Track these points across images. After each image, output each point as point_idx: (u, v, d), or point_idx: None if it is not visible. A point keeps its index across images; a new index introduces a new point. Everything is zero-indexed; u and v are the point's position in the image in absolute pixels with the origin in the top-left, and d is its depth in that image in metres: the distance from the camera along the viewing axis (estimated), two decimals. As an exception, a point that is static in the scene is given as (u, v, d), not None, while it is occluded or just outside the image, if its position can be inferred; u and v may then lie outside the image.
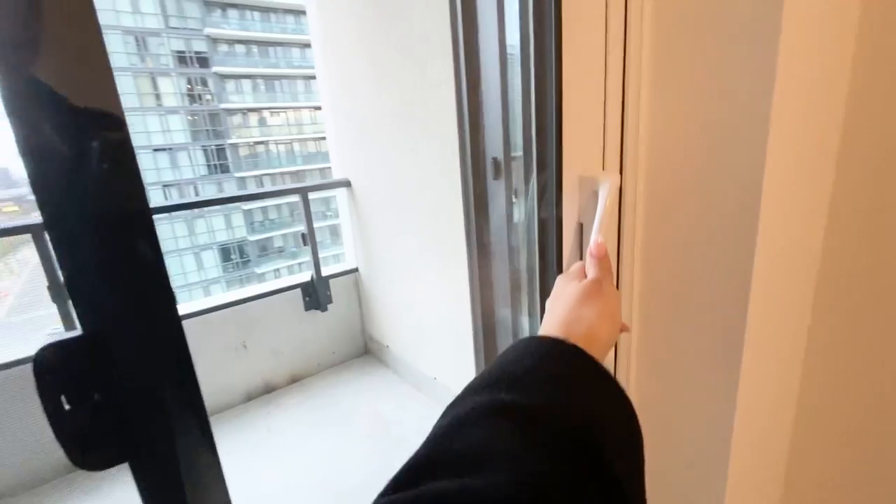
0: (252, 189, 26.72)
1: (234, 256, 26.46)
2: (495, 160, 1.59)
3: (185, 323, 1.58)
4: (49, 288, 1.76)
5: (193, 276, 25.50)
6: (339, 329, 2.69)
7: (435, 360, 2.18)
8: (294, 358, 2.56)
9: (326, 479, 1.80)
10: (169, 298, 0.43)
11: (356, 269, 2.69)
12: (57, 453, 1.77)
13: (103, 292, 0.39)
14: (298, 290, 2.52)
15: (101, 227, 0.38)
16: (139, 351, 0.42)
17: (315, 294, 2.53)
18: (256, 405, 2.37)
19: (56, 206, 0.37)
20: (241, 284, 27.10)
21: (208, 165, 25.72)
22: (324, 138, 2.68)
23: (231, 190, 26.66)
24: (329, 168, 2.74)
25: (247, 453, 2.00)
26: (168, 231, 24.35)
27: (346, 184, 2.48)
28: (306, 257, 2.47)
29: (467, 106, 1.60)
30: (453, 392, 1.71)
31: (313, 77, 2.58)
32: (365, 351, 2.82)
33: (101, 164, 0.36)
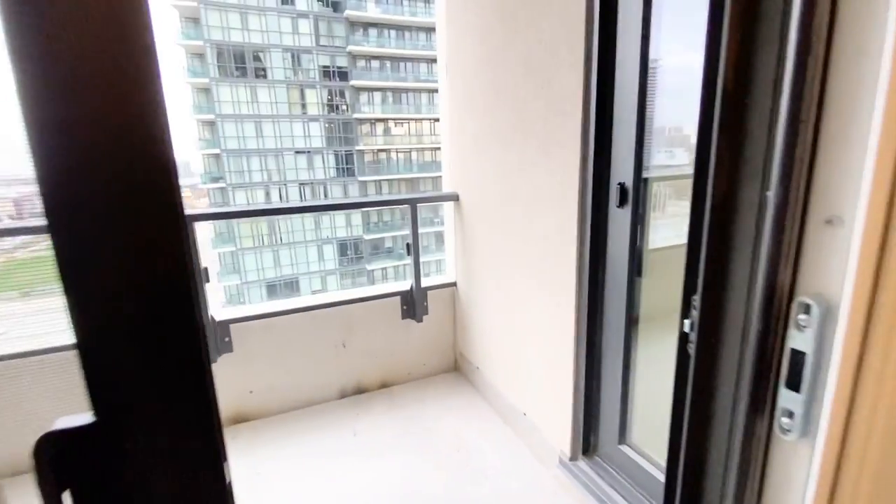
0: (371, 193, 28.87)
1: (349, 252, 28.84)
2: (622, 186, 1.39)
3: (295, 316, 1.66)
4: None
5: (314, 266, 28.29)
6: (431, 342, 2.67)
7: (527, 396, 2.02)
8: (386, 364, 2.59)
9: (398, 496, 1.75)
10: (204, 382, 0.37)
11: (454, 284, 2.64)
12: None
13: (128, 365, 0.35)
14: (398, 298, 2.55)
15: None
16: (166, 443, 0.37)
17: (413, 304, 2.54)
18: (347, 404, 2.44)
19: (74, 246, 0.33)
20: (352, 278, 29.40)
21: (337, 168, 28.47)
22: (440, 148, 2.69)
23: (354, 191, 29.11)
24: (442, 177, 2.76)
25: (331, 452, 2.05)
26: (299, 224, 27.41)
27: (455, 197, 2.45)
28: (409, 261, 2.49)
29: (594, 124, 1.44)
30: (542, 432, 1.54)
31: (436, 91, 2.61)
32: (455, 368, 2.76)
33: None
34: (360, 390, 2.55)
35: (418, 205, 2.42)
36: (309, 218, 27.15)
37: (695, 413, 0.77)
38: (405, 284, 2.59)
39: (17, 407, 1.92)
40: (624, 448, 1.61)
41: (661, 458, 1.53)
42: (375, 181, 29.04)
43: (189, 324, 0.35)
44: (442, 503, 1.72)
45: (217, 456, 0.38)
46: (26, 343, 1.98)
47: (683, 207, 1.73)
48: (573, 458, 1.75)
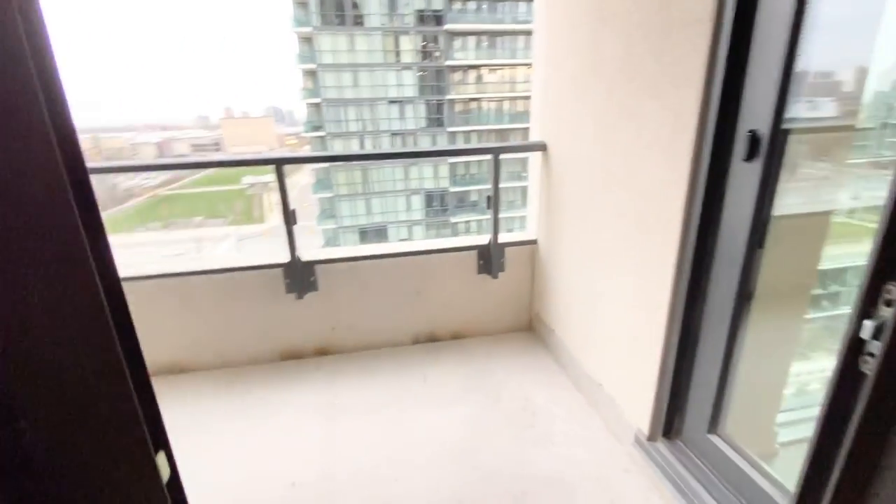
0: (459, 144, 28.57)
1: (435, 203, 29.35)
2: (753, 134, 1.12)
3: (375, 262, 1.66)
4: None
5: (402, 216, 29.37)
6: (506, 299, 2.59)
7: (605, 366, 1.88)
8: (459, 316, 2.59)
9: (463, 450, 1.77)
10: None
11: (535, 242, 2.50)
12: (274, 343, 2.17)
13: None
14: (475, 252, 2.48)
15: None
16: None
17: (489, 259, 2.46)
18: (419, 351, 2.50)
19: None
20: (437, 229, 30.06)
21: (428, 118, 28.46)
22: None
23: (442, 142, 29.05)
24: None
25: (401, 394, 2.13)
26: (389, 174, 28.29)
27: (542, 147, 2.25)
28: (489, 216, 2.40)
29: (726, 56, 1.16)
30: (619, 406, 1.40)
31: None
32: (528, 328, 2.67)
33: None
34: (432, 339, 2.59)
35: (501, 155, 2.27)
36: (399, 168, 27.90)
37: (858, 455, 0.59)
38: (482, 239, 2.50)
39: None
40: (713, 438, 1.43)
41: (760, 455, 1.34)
42: (464, 132, 28.62)
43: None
44: (505, 462, 1.70)
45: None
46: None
47: (819, 170, 1.38)
48: (651, 438, 1.60)
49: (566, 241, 2.14)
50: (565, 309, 2.21)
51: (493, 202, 2.30)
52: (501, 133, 28.37)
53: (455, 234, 29.49)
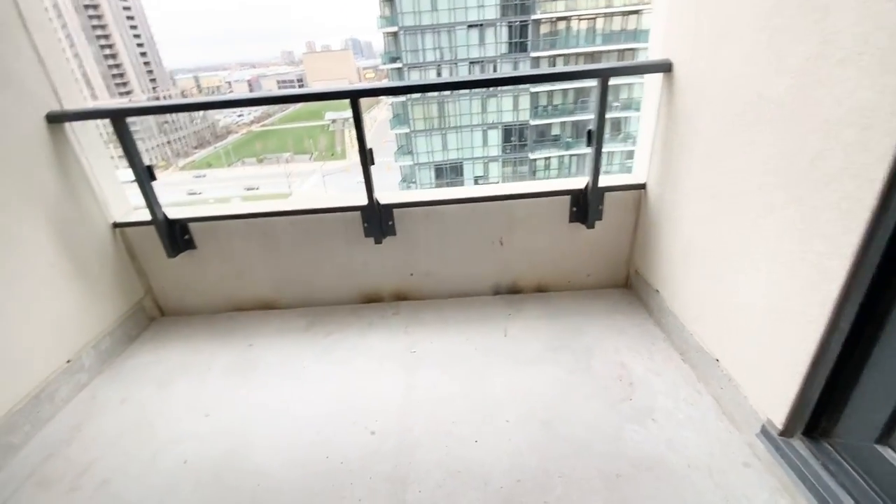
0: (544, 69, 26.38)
1: (513, 138, 27.98)
2: None
3: (455, 207, 1.39)
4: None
5: (479, 152, 28.49)
6: (601, 251, 2.29)
7: (728, 339, 1.57)
8: (545, 267, 2.36)
9: (550, 417, 1.62)
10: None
11: (643, 186, 2.12)
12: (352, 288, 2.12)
13: None
14: (567, 198, 2.18)
15: None
16: None
17: (584, 206, 2.14)
18: (500, 302, 2.35)
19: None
20: (514, 166, 28.92)
21: (509, 43, 26.35)
22: (635, 12, 1.95)
23: (525, 70, 26.99)
24: (632, 50, 2.06)
25: (480, 347, 2.01)
26: (466, 107, 27.18)
27: (665, 67, 1.79)
28: (579, 152, 2.05)
29: None
30: (741, 388, 1.02)
31: None
32: (626, 285, 2.37)
33: None
34: (514, 290, 2.41)
35: (611, 78, 1.87)
36: (476, 101, 26.63)
37: None
38: (577, 182, 2.18)
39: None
40: (883, 449, 1.12)
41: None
42: (549, 57, 26.17)
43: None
44: (597, 436, 1.53)
45: None
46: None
47: None
48: (786, 433, 1.32)
49: (688, 187, 1.75)
50: (676, 267, 1.88)
51: (597, 136, 1.94)
52: (593, 57, 25.48)
53: (533, 171, 28.22)
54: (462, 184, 28.49)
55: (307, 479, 1.46)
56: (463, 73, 26.60)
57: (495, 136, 27.98)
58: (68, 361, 1.92)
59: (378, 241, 2.24)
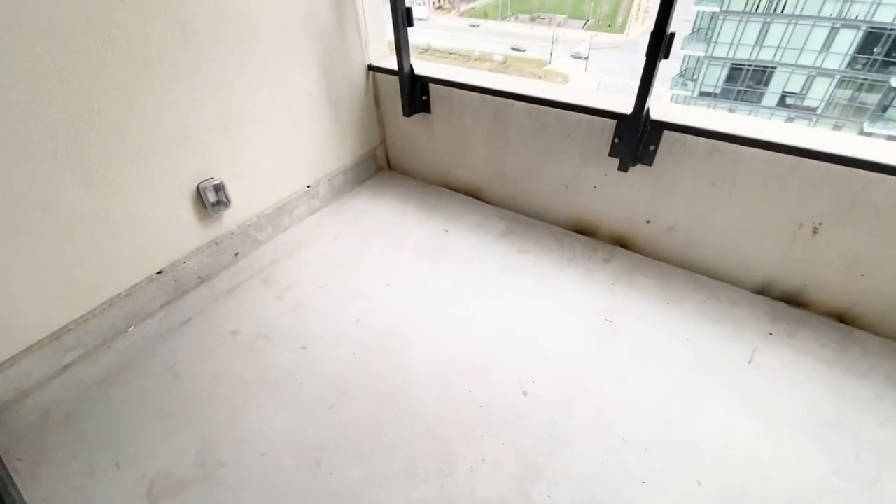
0: None
1: (877, 49, 19.00)
2: None
3: (757, 152, 1.13)
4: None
5: (807, 58, 20.73)
6: None
7: None
8: (880, 289, 1.46)
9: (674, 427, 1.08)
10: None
11: None
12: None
13: None
14: None
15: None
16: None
17: None
18: (762, 310, 1.62)
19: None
20: (856, 90, 20.50)
21: None
22: None
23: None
24: None
25: (707, 362, 1.45)
26: (823, -13, 19.17)
27: None
28: None
29: None
30: None
31: None
32: None
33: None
34: (794, 301, 1.62)
35: None
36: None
37: None
38: None
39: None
40: None
41: None
42: None
43: None
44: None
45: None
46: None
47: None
48: None
49: None
50: None
51: None
52: None
53: (884, 107, 19.53)
54: (761, 98, 21.84)
55: (442, 406, 1.36)
56: (846, -68, 18.02)
57: (846, 40, 19.41)
58: (308, 186, 2.17)
59: (623, 168, 1.69)
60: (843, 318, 1.55)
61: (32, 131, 1.23)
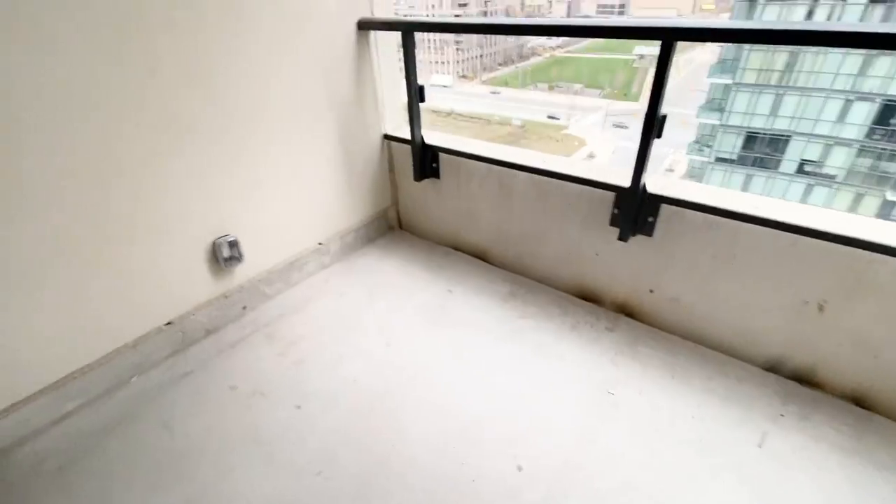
0: None
1: (892, 122, 19.24)
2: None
3: (756, 228, 1.54)
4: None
5: (823, 128, 21.02)
6: None
7: None
8: (891, 371, 1.40)
9: None
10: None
11: None
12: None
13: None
14: None
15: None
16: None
17: None
18: (773, 389, 1.56)
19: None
20: (874, 159, 20.60)
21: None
22: None
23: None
24: None
25: (711, 444, 1.38)
26: (833, 64, 19.90)
27: None
28: None
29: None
30: None
31: None
32: None
33: None
34: (805, 380, 1.55)
35: None
36: (853, 58, 18.86)
37: None
38: None
39: (466, 199, 2.20)
40: None
41: None
42: None
43: None
44: None
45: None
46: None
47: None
48: None
49: None
50: None
51: None
52: None
53: (906, 175, 19.41)
54: (778, 165, 22.00)
55: (433, 477, 1.31)
56: (853, 14, 18.97)
57: (861, 112, 19.75)
58: (320, 244, 2.25)
59: (624, 238, 1.72)
60: (859, 402, 1.47)
61: (64, 189, 1.35)
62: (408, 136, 2.21)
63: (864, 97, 19.41)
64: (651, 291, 1.80)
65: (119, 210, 1.48)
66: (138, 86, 1.41)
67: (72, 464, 1.39)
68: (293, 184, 2.02)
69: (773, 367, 1.61)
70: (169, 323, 1.75)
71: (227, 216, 1.80)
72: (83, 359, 1.55)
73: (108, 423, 1.52)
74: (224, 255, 1.82)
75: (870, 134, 19.80)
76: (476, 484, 1.29)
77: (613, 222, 1.75)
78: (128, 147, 1.45)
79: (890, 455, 1.32)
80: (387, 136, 2.39)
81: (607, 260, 1.87)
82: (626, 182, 1.63)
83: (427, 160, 2.24)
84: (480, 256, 2.33)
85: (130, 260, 1.56)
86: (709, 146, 23.82)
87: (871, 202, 20.80)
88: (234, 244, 1.84)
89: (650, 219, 1.65)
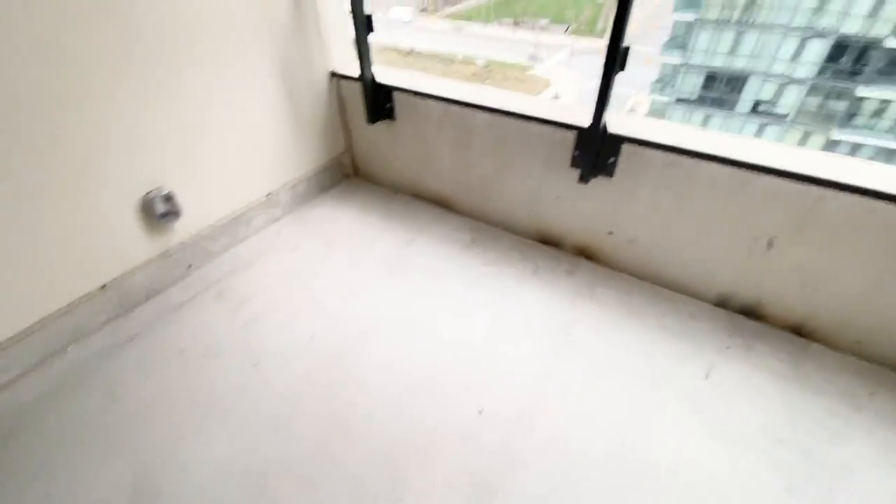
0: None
1: (843, 60, 19.77)
2: None
3: (715, 167, 1.88)
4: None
5: (780, 66, 21.37)
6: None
7: None
8: (832, 306, 1.48)
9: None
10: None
11: None
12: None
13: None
14: (954, 221, 1.17)
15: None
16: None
17: None
18: (721, 322, 1.63)
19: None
20: (824, 98, 21.26)
21: None
22: None
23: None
24: None
25: (662, 377, 1.44)
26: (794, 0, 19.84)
27: None
28: None
29: None
30: None
31: None
32: (979, 400, 1.33)
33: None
34: (752, 313, 1.63)
35: None
36: (817, -8, 18.79)
37: None
38: None
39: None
40: None
41: None
42: None
43: None
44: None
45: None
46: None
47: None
48: None
49: None
50: None
51: None
52: None
53: (850, 115, 20.26)
54: (735, 105, 22.42)
55: (395, 424, 1.31)
56: (814, -54, 18.63)
57: (815, 51, 20.12)
58: (268, 195, 2.10)
59: (584, 180, 1.67)
60: (799, 332, 1.56)
61: (-51, 141, 1.14)
62: (357, 73, 2.03)
63: (820, 34, 19.68)
64: (610, 233, 1.80)
65: (32, 163, 1.29)
66: (42, 17, 1.18)
67: (9, 439, 1.30)
68: (232, 129, 1.82)
69: (723, 303, 1.67)
70: (103, 286, 1.61)
71: (159, 167, 1.62)
72: (10, 328, 1.41)
73: (46, 395, 1.41)
74: (159, 211, 1.66)
75: (821, 72, 20.31)
76: (438, 429, 1.30)
77: (574, 164, 1.70)
78: (36, 91, 1.23)
79: (825, 379, 1.42)
80: (335, 74, 2.18)
81: (568, 203, 1.83)
82: (586, 121, 1.56)
83: (380, 100, 2.07)
84: (443, 204, 2.25)
85: (50, 221, 1.39)
86: (671, 86, 23.85)
87: (817, 141, 21.76)
88: (168, 198, 1.67)
89: (611, 159, 1.61)
